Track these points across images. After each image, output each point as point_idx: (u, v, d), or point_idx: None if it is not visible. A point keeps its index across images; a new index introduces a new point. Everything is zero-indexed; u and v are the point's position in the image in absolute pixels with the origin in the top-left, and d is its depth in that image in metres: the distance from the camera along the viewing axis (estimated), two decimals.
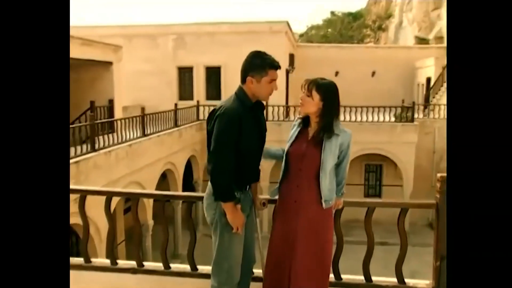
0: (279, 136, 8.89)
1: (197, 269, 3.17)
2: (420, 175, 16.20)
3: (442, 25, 27.69)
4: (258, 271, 2.88)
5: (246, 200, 2.55)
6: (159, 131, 12.58)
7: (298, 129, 2.57)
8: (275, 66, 2.43)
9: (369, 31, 38.67)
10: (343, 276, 3.07)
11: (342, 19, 38.63)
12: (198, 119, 16.48)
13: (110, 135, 9.92)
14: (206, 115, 16.14)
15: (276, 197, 2.62)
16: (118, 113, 13.86)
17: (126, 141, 10.49)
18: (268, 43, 18.65)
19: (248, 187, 2.58)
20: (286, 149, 2.55)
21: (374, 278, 3.06)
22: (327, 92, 2.44)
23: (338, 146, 2.45)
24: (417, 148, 15.72)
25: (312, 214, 2.47)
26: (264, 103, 2.65)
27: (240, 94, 2.46)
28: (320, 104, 2.44)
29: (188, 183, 16.01)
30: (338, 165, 2.54)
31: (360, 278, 3.08)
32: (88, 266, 3.23)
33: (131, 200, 3.21)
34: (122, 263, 3.29)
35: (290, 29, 20.74)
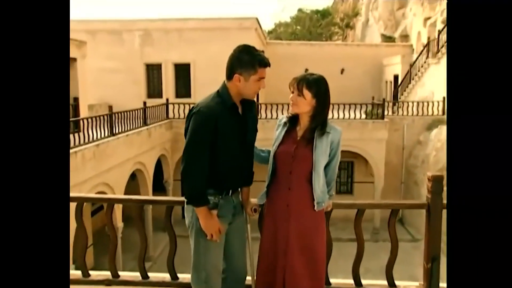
0: None
1: (177, 278, 2.97)
2: (390, 171, 16.42)
3: (406, 23, 28.26)
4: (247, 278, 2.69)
5: (227, 206, 2.37)
6: (127, 130, 12.14)
7: (285, 129, 2.41)
8: (265, 63, 2.25)
9: (337, 29, 39.07)
10: (332, 280, 2.95)
11: (310, 17, 38.83)
12: (167, 117, 16.07)
13: (76, 135, 9.47)
14: (176, 113, 16.00)
15: (264, 201, 2.47)
16: (83, 112, 13.33)
17: (93, 141, 10.05)
18: (237, 40, 18.23)
19: (230, 192, 2.37)
20: (273, 151, 2.39)
21: (364, 282, 2.95)
22: (319, 88, 2.31)
23: (329, 144, 2.34)
24: (387, 145, 15.92)
25: (305, 217, 2.35)
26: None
27: (223, 92, 2.28)
28: (313, 101, 2.31)
29: (159, 183, 15.62)
30: (327, 165, 2.40)
31: (350, 282, 2.97)
32: None
33: (107, 206, 2.96)
34: (95, 274, 3.05)
35: (260, 25, 20.60)
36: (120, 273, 3.01)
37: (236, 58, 2.22)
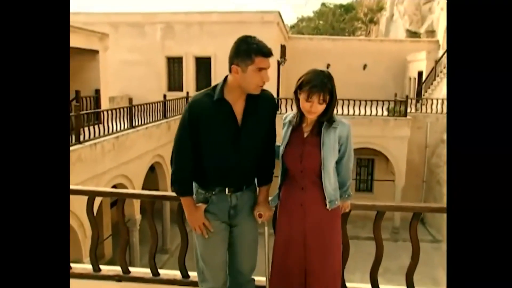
0: None
1: (188, 276, 2.90)
2: (412, 170, 16.09)
3: (433, 18, 27.56)
4: (260, 279, 2.59)
5: (220, 204, 2.24)
6: (147, 123, 12.18)
7: (291, 128, 2.30)
8: (263, 52, 2.03)
9: (361, 24, 38.46)
10: (348, 284, 2.83)
11: (334, 11, 38.37)
12: None
13: (96, 127, 9.53)
14: None
15: (277, 202, 2.37)
16: (104, 104, 13.44)
17: (113, 133, 10.11)
18: (259, 34, 17.94)
19: (226, 190, 2.22)
20: (281, 151, 2.28)
21: (382, 287, 2.82)
22: (332, 86, 2.18)
23: (337, 139, 2.22)
24: (409, 143, 15.59)
25: (320, 216, 2.25)
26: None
27: (218, 85, 2.15)
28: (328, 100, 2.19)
29: None
30: (338, 162, 2.28)
31: (367, 286, 2.83)
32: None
33: (118, 201, 2.90)
34: (106, 269, 3.00)
35: (282, 20, 20.39)
36: (131, 269, 2.96)
37: (234, 48, 2.06)
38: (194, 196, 2.28)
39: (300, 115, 2.27)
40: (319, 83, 2.12)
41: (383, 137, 15.09)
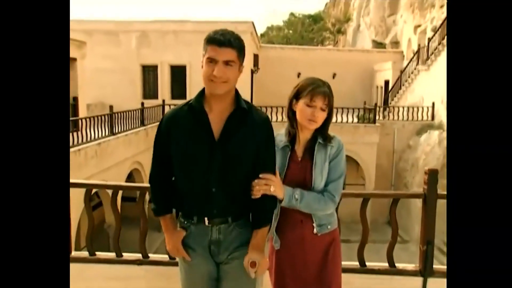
0: None
1: None
2: (381, 174, 16.92)
3: (397, 30, 28.91)
4: None
5: (199, 237, 1.88)
6: (126, 130, 12.44)
7: (288, 152, 2.07)
8: (215, 39, 1.68)
9: (329, 34, 39.72)
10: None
11: (302, 21, 39.47)
12: None
13: (75, 134, 9.71)
14: None
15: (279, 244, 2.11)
16: (82, 111, 13.54)
17: (95, 139, 10.33)
18: None
19: (205, 221, 1.85)
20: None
21: (367, 264, 3.32)
22: (332, 96, 2.03)
23: (327, 158, 2.05)
24: (378, 148, 16.44)
25: (321, 248, 2.08)
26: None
27: (199, 92, 1.85)
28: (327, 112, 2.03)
29: None
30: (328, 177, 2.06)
31: (355, 263, 3.33)
32: (93, 259, 3.29)
33: (139, 194, 3.30)
34: (127, 255, 3.37)
35: (255, 29, 21.01)
36: (150, 254, 3.34)
37: None
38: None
39: (292, 135, 2.08)
40: (322, 85, 1.98)
41: (354, 143, 15.83)
